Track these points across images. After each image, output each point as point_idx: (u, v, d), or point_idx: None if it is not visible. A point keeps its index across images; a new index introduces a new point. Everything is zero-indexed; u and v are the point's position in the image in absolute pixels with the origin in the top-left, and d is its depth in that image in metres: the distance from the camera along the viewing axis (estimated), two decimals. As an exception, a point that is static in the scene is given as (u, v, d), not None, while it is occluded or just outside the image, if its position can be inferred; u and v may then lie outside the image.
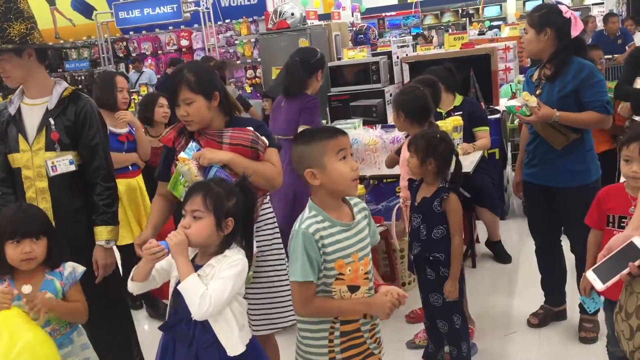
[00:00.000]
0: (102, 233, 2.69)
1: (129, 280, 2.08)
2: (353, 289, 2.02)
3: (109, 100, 3.96)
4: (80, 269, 2.36)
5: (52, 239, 2.27)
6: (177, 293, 1.98)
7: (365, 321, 2.05)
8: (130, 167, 4.01)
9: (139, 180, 4.07)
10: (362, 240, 2.04)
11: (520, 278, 4.24)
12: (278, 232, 2.68)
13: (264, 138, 2.51)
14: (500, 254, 4.58)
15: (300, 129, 3.59)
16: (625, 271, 1.55)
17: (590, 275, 1.63)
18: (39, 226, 2.24)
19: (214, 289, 1.92)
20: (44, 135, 2.66)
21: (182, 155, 2.41)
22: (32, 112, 2.71)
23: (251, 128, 2.52)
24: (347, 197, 2.07)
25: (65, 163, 2.67)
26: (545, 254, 3.52)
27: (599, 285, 1.59)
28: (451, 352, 2.99)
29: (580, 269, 3.34)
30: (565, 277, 3.51)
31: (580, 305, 3.37)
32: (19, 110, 2.73)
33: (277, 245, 2.65)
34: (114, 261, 2.77)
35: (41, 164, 2.66)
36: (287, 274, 2.57)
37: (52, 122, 2.66)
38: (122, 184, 3.76)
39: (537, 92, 3.21)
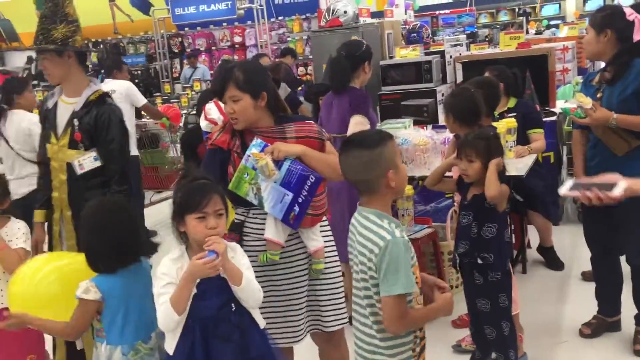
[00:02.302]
0: None
1: (172, 315, 1.98)
2: (420, 290, 2.03)
3: None
4: (79, 291, 2.20)
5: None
6: (198, 297, 2.01)
7: None
8: None
9: None
10: None
11: (572, 286, 4.12)
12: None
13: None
14: (552, 261, 4.46)
15: (353, 120, 3.51)
16: (588, 193, 1.83)
17: (568, 182, 1.98)
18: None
19: (253, 279, 2.08)
20: (68, 134, 2.86)
21: (253, 151, 2.40)
22: (65, 109, 2.91)
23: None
24: None
25: (90, 160, 2.84)
26: (601, 263, 3.40)
27: (562, 190, 1.98)
28: (497, 359, 2.92)
29: (637, 280, 3.22)
30: (621, 288, 3.39)
31: (636, 317, 3.25)
32: (55, 105, 2.94)
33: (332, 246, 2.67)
34: None
35: (64, 159, 2.86)
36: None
37: (76, 122, 2.85)
38: None
39: (598, 95, 3.10)
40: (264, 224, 2.49)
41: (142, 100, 6.06)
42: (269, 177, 2.38)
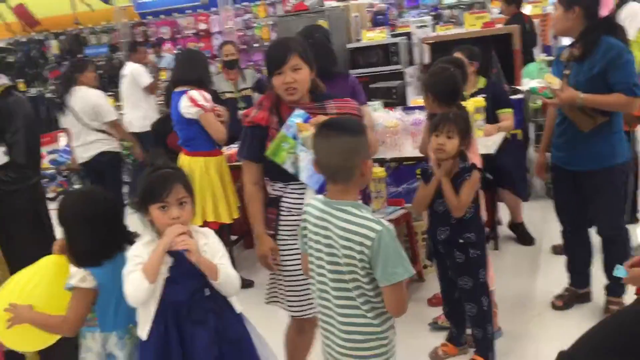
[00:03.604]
0: None
1: (142, 282, 1.98)
2: None
3: (206, 77, 4.18)
4: (73, 280, 2.18)
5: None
6: (171, 281, 2.04)
7: None
8: (217, 146, 4.11)
9: (223, 160, 4.19)
10: None
11: (543, 260, 4.20)
12: None
13: None
14: (523, 236, 4.54)
15: (365, 110, 3.37)
16: None
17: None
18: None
19: (229, 267, 2.10)
20: None
21: (298, 121, 2.43)
22: None
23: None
24: None
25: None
26: (572, 236, 3.48)
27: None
28: (476, 335, 2.98)
29: (607, 251, 3.30)
30: (591, 259, 3.48)
31: (606, 287, 3.34)
32: None
33: None
34: None
35: None
36: None
37: None
38: (222, 160, 4.12)
39: (566, 72, 3.14)
40: (302, 198, 2.51)
41: (144, 82, 6.65)
42: (311, 148, 2.35)
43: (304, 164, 2.45)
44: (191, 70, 4.06)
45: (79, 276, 2.11)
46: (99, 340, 2.18)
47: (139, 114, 6.65)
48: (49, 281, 2.22)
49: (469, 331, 3.12)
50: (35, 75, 13.32)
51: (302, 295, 2.58)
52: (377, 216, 1.93)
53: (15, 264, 2.41)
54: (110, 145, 5.36)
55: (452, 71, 3.14)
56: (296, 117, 2.45)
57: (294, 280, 2.58)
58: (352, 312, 1.94)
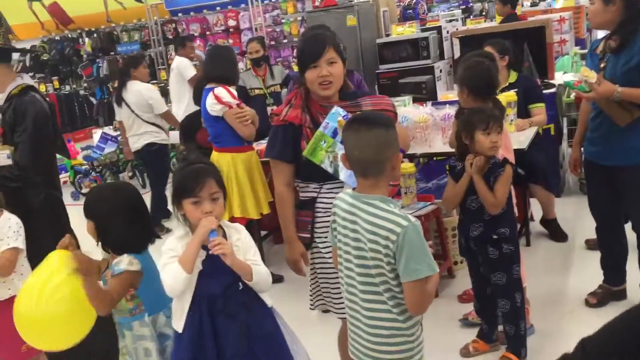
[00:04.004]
0: None
1: (180, 273, 2.01)
2: None
3: (233, 74, 4.19)
4: (123, 265, 2.22)
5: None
6: (205, 275, 2.07)
7: None
8: (246, 142, 4.13)
9: (256, 156, 4.21)
10: None
11: (576, 257, 4.13)
12: None
13: None
14: (555, 232, 4.47)
15: None
16: None
17: None
18: None
19: (261, 263, 2.12)
20: None
21: (339, 119, 2.35)
22: None
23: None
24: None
25: (3, 157, 2.87)
26: (606, 232, 3.41)
27: None
28: (508, 332, 2.95)
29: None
30: (626, 256, 3.41)
31: (642, 285, 3.27)
32: None
33: None
34: None
35: None
36: None
37: None
38: (253, 156, 4.13)
39: (602, 65, 3.08)
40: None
41: (189, 74, 6.81)
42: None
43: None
44: (219, 67, 4.10)
45: (127, 261, 2.17)
46: (149, 323, 2.24)
47: (184, 106, 6.83)
48: (66, 279, 2.16)
49: (500, 328, 3.09)
50: (69, 73, 13.57)
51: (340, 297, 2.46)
52: (406, 212, 1.93)
53: (35, 263, 2.46)
54: (159, 137, 5.73)
55: (488, 64, 3.09)
56: (336, 114, 2.38)
57: (339, 282, 2.49)
58: (378, 307, 1.94)
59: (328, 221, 2.37)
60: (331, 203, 2.37)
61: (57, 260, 2.18)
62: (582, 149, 3.44)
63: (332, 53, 2.40)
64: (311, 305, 2.69)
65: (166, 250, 2.08)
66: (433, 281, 1.90)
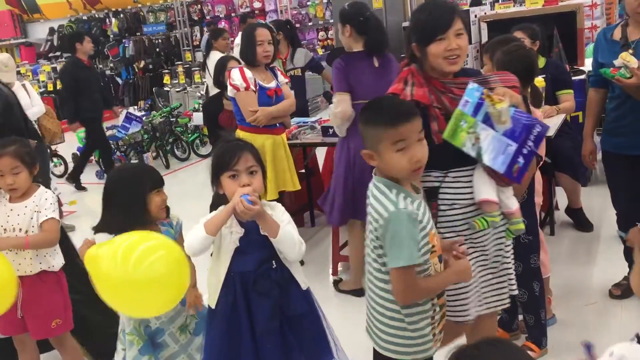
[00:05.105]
0: None
1: (200, 232, 2.06)
2: (440, 258, 1.98)
3: (249, 55, 3.98)
4: (179, 219, 2.47)
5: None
6: (240, 252, 2.10)
7: None
8: (277, 124, 4.07)
9: (283, 138, 4.13)
10: (426, 207, 1.98)
11: (602, 247, 4.06)
12: None
13: None
14: (581, 222, 4.40)
15: None
16: None
17: None
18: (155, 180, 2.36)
19: (295, 232, 2.11)
20: None
21: (476, 94, 2.09)
22: None
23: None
24: None
25: None
26: (629, 224, 3.34)
27: None
28: (528, 321, 2.92)
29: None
30: (652, 248, 3.34)
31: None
32: None
33: None
34: None
35: None
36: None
37: None
38: (268, 139, 3.96)
39: (629, 51, 2.99)
40: (464, 187, 2.19)
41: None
42: (502, 124, 2.08)
43: (487, 144, 2.10)
44: (244, 47, 4.05)
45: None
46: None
47: None
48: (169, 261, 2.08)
49: (521, 317, 3.06)
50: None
51: (456, 300, 2.22)
52: (415, 200, 1.90)
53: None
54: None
55: (529, 49, 3.00)
56: (472, 91, 2.11)
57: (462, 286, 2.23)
58: (381, 285, 1.96)
59: (453, 215, 2.19)
60: (458, 194, 2.18)
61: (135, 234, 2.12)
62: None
63: (460, 24, 2.16)
64: None
65: (200, 220, 2.12)
66: (441, 279, 1.94)
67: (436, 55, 2.15)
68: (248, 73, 3.90)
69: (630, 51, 3.00)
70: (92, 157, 7.71)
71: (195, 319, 2.42)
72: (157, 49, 12.74)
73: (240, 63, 4.19)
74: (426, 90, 2.17)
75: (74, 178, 7.24)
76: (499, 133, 2.10)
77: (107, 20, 13.42)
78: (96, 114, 6.99)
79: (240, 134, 3.97)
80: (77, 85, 6.73)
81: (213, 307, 2.16)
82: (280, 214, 2.16)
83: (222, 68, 4.51)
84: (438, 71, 2.19)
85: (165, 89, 10.93)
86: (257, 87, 3.92)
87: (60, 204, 3.04)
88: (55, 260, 2.76)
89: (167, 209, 2.38)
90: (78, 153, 8.18)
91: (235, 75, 3.89)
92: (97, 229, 2.33)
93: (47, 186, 2.99)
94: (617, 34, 3.10)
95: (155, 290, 2.02)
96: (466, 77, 2.21)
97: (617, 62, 2.95)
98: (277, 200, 4.12)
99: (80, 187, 7.19)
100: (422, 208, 1.93)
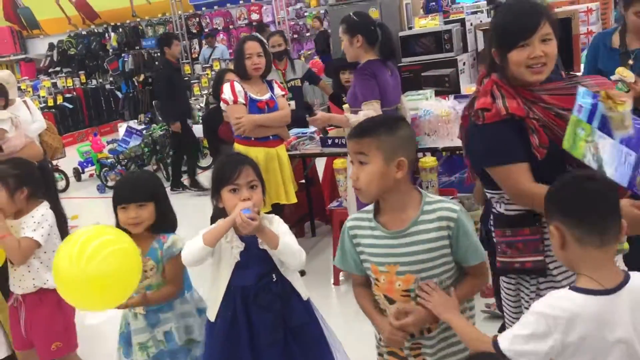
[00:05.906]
0: None
1: (197, 242, 2.08)
2: (390, 300, 1.88)
3: (239, 68, 4.02)
4: (180, 244, 2.33)
5: (160, 205, 2.36)
6: (240, 266, 2.12)
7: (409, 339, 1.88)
8: (271, 136, 4.07)
9: (278, 150, 4.11)
10: (412, 255, 1.82)
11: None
12: None
13: None
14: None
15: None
16: None
17: None
18: (144, 192, 2.32)
19: (294, 241, 2.14)
20: None
21: (587, 99, 1.87)
22: None
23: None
24: (431, 202, 1.85)
25: None
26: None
27: None
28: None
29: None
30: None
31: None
32: None
33: None
34: None
35: None
36: None
37: None
38: (260, 152, 3.92)
39: (630, 62, 3.02)
40: None
41: None
42: (624, 129, 1.88)
43: (607, 154, 1.86)
44: (235, 61, 4.12)
45: (176, 239, 2.35)
46: (191, 300, 2.37)
47: None
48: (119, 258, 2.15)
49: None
50: (96, 67, 13.75)
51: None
52: None
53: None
54: None
55: None
56: (586, 96, 1.88)
57: None
58: None
59: None
60: None
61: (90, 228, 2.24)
62: None
63: (548, 28, 1.91)
64: None
65: (200, 232, 2.14)
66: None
67: (518, 63, 1.92)
68: (237, 87, 3.94)
69: (630, 62, 3.02)
70: (94, 171, 7.73)
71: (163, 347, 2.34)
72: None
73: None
74: (520, 102, 1.93)
75: (191, 183, 7.09)
76: (617, 141, 1.89)
77: (106, 34, 13.51)
78: (189, 114, 7.36)
79: (235, 146, 4.02)
80: (173, 87, 6.87)
81: (212, 320, 2.17)
82: (277, 226, 2.18)
83: (219, 81, 4.56)
84: (520, 80, 1.96)
85: (165, 101, 10.96)
86: (248, 100, 3.95)
87: (65, 220, 3.02)
88: (47, 274, 2.66)
89: (160, 224, 2.38)
90: (80, 168, 8.21)
91: (225, 89, 3.97)
92: None
93: (56, 201, 2.99)
94: (615, 41, 3.11)
95: (109, 285, 2.09)
96: (549, 82, 1.99)
97: (614, 77, 2.98)
98: (278, 211, 4.16)
99: (195, 185, 7.06)
100: (383, 244, 1.86)
